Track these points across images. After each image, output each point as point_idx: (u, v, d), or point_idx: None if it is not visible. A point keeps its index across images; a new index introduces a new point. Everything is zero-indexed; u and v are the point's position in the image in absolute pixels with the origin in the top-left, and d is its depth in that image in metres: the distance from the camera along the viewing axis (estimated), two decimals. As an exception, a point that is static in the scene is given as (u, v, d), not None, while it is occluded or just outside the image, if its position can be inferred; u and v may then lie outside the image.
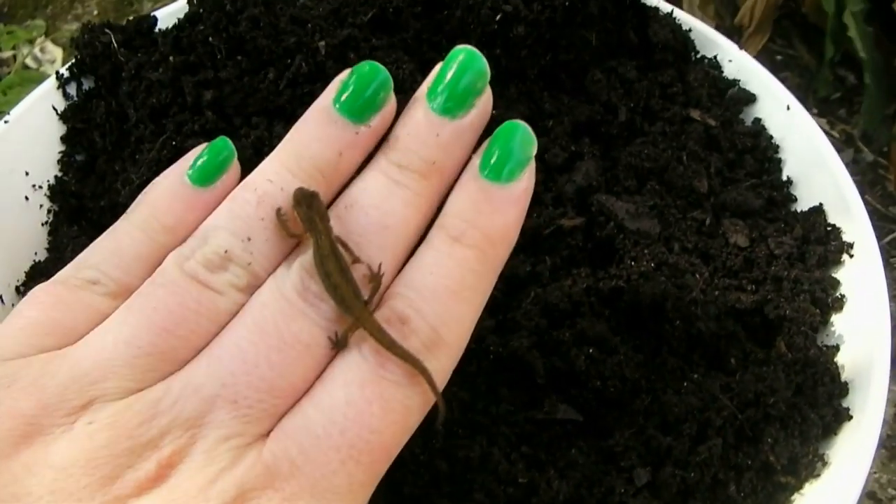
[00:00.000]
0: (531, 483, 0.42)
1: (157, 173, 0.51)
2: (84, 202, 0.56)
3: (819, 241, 0.53)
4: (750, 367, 0.47)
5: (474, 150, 0.38)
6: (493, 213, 0.36)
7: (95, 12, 1.22)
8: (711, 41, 0.63)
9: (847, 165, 0.55)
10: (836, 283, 0.51)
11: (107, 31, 0.58)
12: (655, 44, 0.61)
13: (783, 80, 0.60)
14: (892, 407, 0.80)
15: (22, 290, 0.54)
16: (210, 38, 0.53)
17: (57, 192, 0.57)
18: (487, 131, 0.38)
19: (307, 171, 0.37)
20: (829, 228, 0.53)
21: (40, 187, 0.57)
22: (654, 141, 0.56)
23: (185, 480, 0.32)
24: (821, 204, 0.55)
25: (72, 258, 0.51)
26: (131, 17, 0.60)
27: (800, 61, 1.11)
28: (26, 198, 0.56)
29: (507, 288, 0.48)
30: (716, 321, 0.47)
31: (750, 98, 0.61)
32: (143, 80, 0.54)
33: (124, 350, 0.34)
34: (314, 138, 0.37)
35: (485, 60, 0.37)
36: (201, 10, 0.55)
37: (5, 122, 0.56)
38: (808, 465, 0.44)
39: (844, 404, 0.46)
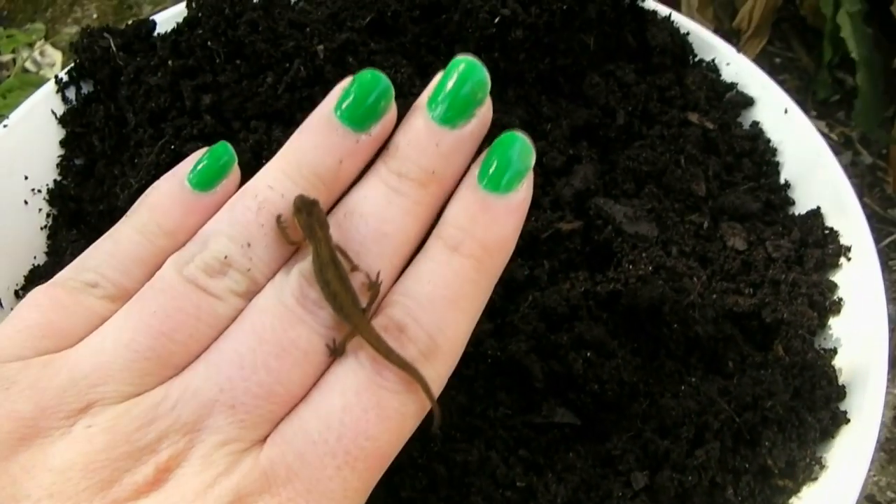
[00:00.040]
0: (529, 487, 0.42)
1: (155, 177, 0.51)
2: (83, 206, 0.56)
3: (817, 245, 0.53)
4: (747, 371, 0.47)
5: (473, 158, 0.38)
6: (490, 223, 0.36)
7: (95, 16, 1.22)
8: (709, 44, 0.63)
9: (846, 168, 0.55)
10: (834, 287, 0.51)
11: (106, 35, 0.58)
12: (653, 47, 0.61)
13: (782, 83, 0.61)
14: (890, 410, 0.81)
15: (21, 293, 0.54)
16: (209, 43, 0.54)
17: (56, 195, 0.57)
18: (487, 137, 0.38)
19: (307, 178, 0.37)
20: (826, 231, 0.53)
21: (39, 191, 0.57)
22: (652, 144, 0.56)
23: (183, 485, 0.32)
24: (819, 207, 0.55)
25: (70, 262, 0.52)
26: (130, 21, 0.60)
27: (798, 64, 1.11)
28: (25, 202, 0.56)
29: (505, 292, 0.48)
30: (713, 324, 0.47)
31: (748, 101, 0.61)
32: (142, 84, 0.54)
33: (123, 354, 0.34)
34: (315, 145, 0.38)
35: (485, 70, 0.37)
36: (200, 15, 0.55)
37: (4, 125, 0.56)
38: (805, 468, 0.44)
39: (842, 407, 0.46)
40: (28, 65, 1.14)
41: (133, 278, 0.37)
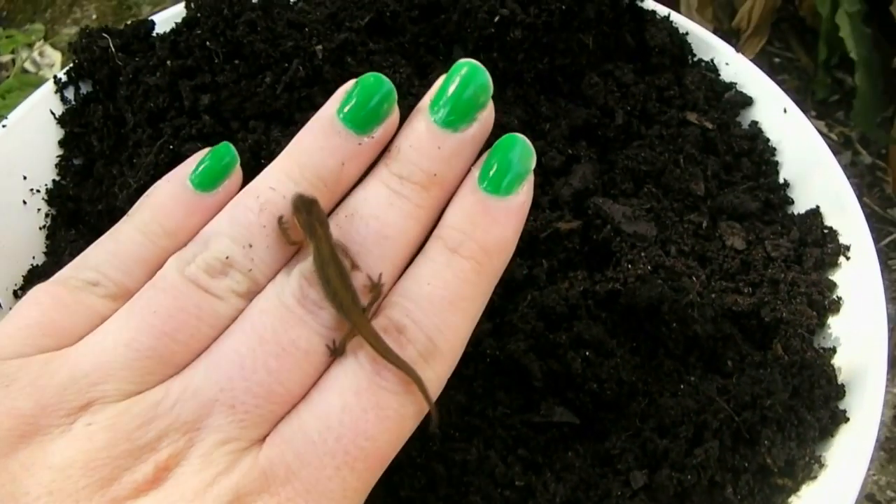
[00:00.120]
0: (528, 486, 0.42)
1: (154, 177, 0.51)
2: (82, 206, 0.56)
3: (816, 244, 0.53)
4: (747, 370, 0.47)
5: (474, 161, 0.38)
6: (490, 225, 0.36)
7: (94, 17, 1.22)
8: (708, 44, 0.63)
9: (845, 168, 0.55)
10: (833, 286, 0.51)
11: (105, 35, 0.58)
12: (652, 47, 0.61)
13: (781, 83, 0.61)
14: (889, 409, 0.81)
15: (19, 293, 0.54)
16: (207, 43, 0.54)
17: (55, 195, 0.57)
18: (488, 138, 0.38)
19: (309, 179, 0.37)
20: (825, 231, 0.53)
21: (38, 191, 0.57)
22: (650, 144, 0.56)
23: (182, 483, 0.32)
24: (818, 206, 0.55)
25: (69, 262, 0.51)
26: (129, 22, 0.60)
27: (798, 64, 1.11)
28: (24, 202, 0.56)
29: (504, 291, 0.48)
30: (712, 324, 0.47)
31: (747, 101, 0.61)
32: (141, 84, 0.54)
33: (124, 353, 0.34)
34: (317, 148, 0.38)
35: (488, 74, 0.37)
36: (199, 15, 0.55)
37: (3, 126, 0.56)
38: (804, 467, 0.44)
39: (841, 406, 0.46)
40: (27, 65, 1.15)
41: (134, 278, 0.37)
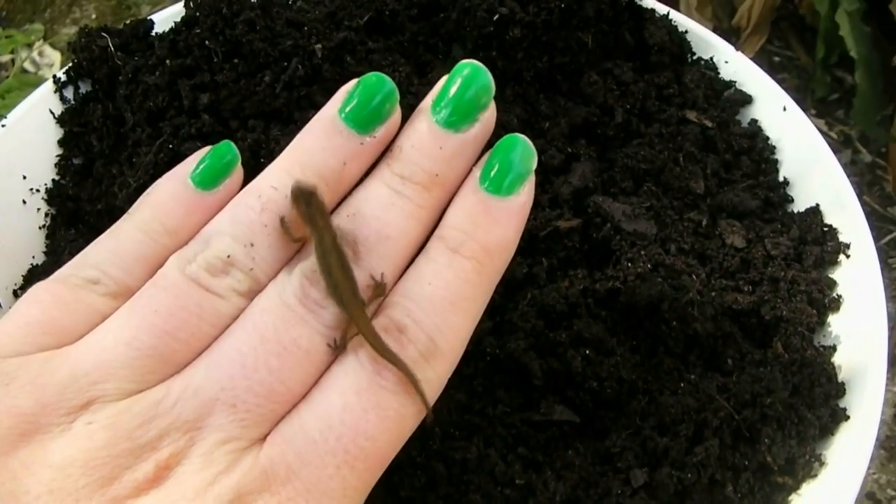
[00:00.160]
0: (528, 484, 0.42)
1: (154, 176, 0.51)
2: (81, 205, 0.56)
3: (816, 242, 0.53)
4: (747, 368, 0.47)
5: (476, 161, 0.38)
6: (491, 225, 0.36)
7: (93, 16, 1.22)
8: (708, 43, 0.63)
9: (845, 166, 0.55)
10: (833, 284, 0.51)
11: (104, 35, 0.58)
12: (652, 46, 0.61)
13: (781, 82, 0.60)
14: (890, 408, 0.81)
15: (19, 293, 0.54)
16: (206, 42, 0.54)
17: (54, 195, 0.57)
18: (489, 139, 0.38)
19: (311, 179, 0.37)
20: (825, 229, 0.53)
21: (38, 191, 0.57)
22: (650, 142, 0.56)
23: (183, 483, 0.32)
24: (817, 204, 0.55)
25: (69, 261, 0.51)
26: (128, 21, 0.60)
27: (797, 63, 1.11)
28: (24, 201, 0.56)
29: (504, 289, 0.48)
30: (712, 322, 0.47)
31: (746, 99, 0.61)
32: (140, 83, 0.54)
33: (125, 351, 0.34)
34: (319, 147, 0.38)
35: (490, 75, 0.37)
36: (198, 14, 0.55)
37: (3, 125, 0.56)
38: (805, 465, 0.44)
39: (841, 405, 0.46)
40: (27, 65, 1.14)
41: (135, 276, 0.37)
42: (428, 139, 0.37)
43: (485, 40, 0.56)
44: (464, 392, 0.44)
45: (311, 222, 0.35)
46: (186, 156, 0.51)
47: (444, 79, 0.38)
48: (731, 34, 1.07)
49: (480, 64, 0.37)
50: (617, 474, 0.43)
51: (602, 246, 0.51)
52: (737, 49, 0.63)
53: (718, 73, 0.63)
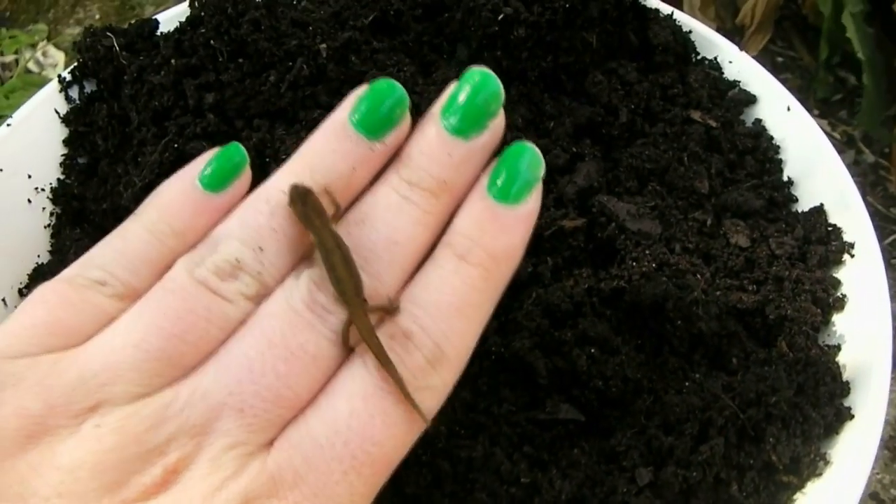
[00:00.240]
0: (533, 483, 0.42)
1: (159, 176, 0.51)
2: (86, 205, 0.56)
3: (820, 242, 0.53)
4: (751, 367, 0.47)
5: (483, 167, 0.38)
6: (498, 232, 0.36)
7: (97, 17, 1.23)
8: (712, 42, 0.64)
9: (848, 167, 0.55)
10: (838, 283, 0.51)
11: (109, 34, 0.58)
12: (656, 45, 0.61)
13: (784, 82, 0.61)
14: (893, 408, 0.80)
15: (24, 292, 0.54)
16: (211, 41, 0.54)
17: (59, 194, 0.57)
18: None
19: (320, 183, 0.37)
20: (830, 228, 0.53)
21: (43, 190, 0.57)
22: (654, 142, 0.56)
23: (191, 488, 0.32)
24: (822, 204, 0.55)
25: (74, 260, 0.51)
26: (133, 21, 0.60)
27: (800, 63, 1.11)
28: (29, 200, 0.56)
29: (508, 289, 0.48)
30: (717, 321, 0.47)
31: (750, 99, 0.61)
32: (145, 83, 0.54)
33: (133, 353, 0.33)
34: (329, 151, 0.38)
35: (499, 83, 0.37)
36: (203, 14, 0.55)
37: (8, 125, 0.56)
38: (810, 464, 0.44)
39: (846, 404, 0.46)
40: (31, 65, 1.15)
41: (141, 277, 0.37)
42: (437, 146, 0.37)
43: (489, 40, 0.56)
44: (469, 391, 0.44)
45: (308, 222, 0.35)
46: (192, 155, 0.51)
47: (453, 85, 0.38)
48: (734, 34, 1.07)
49: (490, 71, 0.37)
50: (622, 473, 0.43)
51: (607, 245, 0.51)
52: (740, 49, 0.63)
53: (722, 73, 0.63)
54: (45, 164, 0.57)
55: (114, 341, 0.34)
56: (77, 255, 0.52)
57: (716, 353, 0.48)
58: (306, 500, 0.32)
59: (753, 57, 0.63)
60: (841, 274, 0.52)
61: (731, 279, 0.51)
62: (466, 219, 0.37)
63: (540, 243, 0.50)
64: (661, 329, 0.47)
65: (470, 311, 0.36)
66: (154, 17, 0.60)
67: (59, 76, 0.58)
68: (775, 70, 1.03)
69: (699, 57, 0.64)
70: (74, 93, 0.59)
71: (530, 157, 0.37)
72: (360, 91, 0.38)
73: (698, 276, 0.50)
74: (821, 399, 0.46)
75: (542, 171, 0.37)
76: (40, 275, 0.54)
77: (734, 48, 0.63)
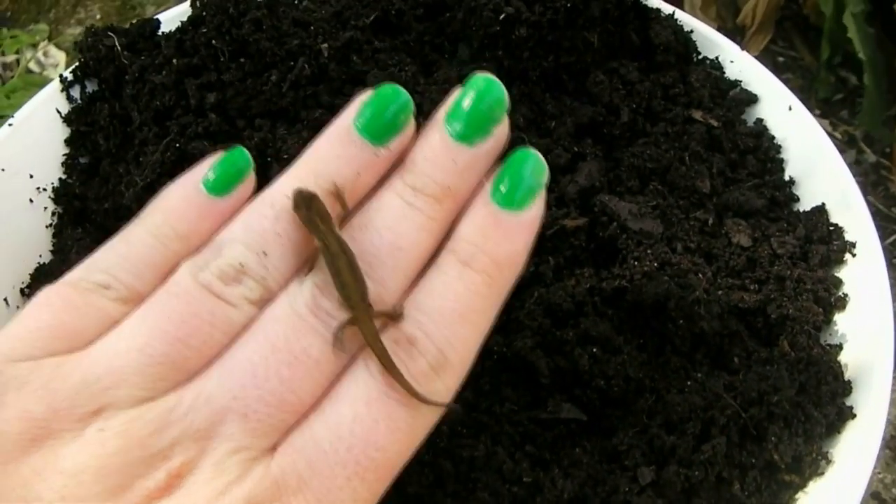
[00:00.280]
0: (536, 482, 0.42)
1: (160, 175, 0.51)
2: (88, 204, 0.56)
3: (822, 241, 0.53)
4: (753, 366, 0.47)
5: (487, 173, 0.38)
6: (502, 239, 0.36)
7: (98, 16, 1.23)
8: (713, 42, 0.64)
9: (849, 167, 0.55)
10: (839, 283, 0.51)
11: (110, 34, 0.58)
12: (657, 45, 0.61)
13: (785, 82, 0.61)
14: (895, 407, 0.80)
15: (27, 291, 0.54)
16: (213, 41, 0.54)
17: (61, 194, 0.57)
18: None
19: (324, 188, 0.37)
20: (831, 228, 0.53)
21: (44, 189, 0.57)
22: (656, 142, 0.56)
23: (194, 492, 0.31)
24: (823, 203, 0.55)
25: (76, 260, 0.51)
26: (134, 21, 0.60)
27: (801, 63, 1.11)
28: (31, 200, 0.57)
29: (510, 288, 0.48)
30: (719, 320, 0.47)
31: (752, 98, 0.61)
32: (147, 82, 0.54)
33: (137, 358, 0.33)
34: (333, 156, 0.38)
35: (504, 89, 0.37)
36: (204, 14, 0.55)
37: (9, 125, 0.56)
38: (812, 463, 0.44)
39: (848, 403, 0.46)
40: (32, 65, 1.15)
41: (145, 281, 0.37)
42: (441, 152, 0.37)
43: (491, 40, 0.56)
44: (471, 390, 0.44)
45: (313, 227, 0.35)
46: (193, 154, 0.51)
47: (457, 91, 0.38)
48: (735, 34, 1.07)
49: (494, 77, 0.37)
50: (624, 472, 0.43)
51: (608, 245, 0.51)
52: (742, 48, 0.63)
53: (724, 73, 0.63)
54: (47, 164, 0.57)
55: (118, 345, 0.34)
56: (79, 254, 0.52)
57: (718, 352, 0.48)
58: None
59: (755, 57, 0.63)
60: (842, 273, 0.52)
61: (732, 278, 0.51)
62: (470, 225, 0.37)
63: (542, 243, 0.50)
64: (663, 328, 0.47)
65: (473, 317, 0.36)
66: (155, 17, 0.60)
67: (61, 76, 0.58)
68: (776, 70, 1.03)
69: (700, 56, 0.64)
70: (76, 92, 0.59)
71: (534, 164, 0.37)
72: (365, 96, 0.38)
73: (700, 275, 0.50)
74: (822, 398, 0.46)
75: (545, 177, 0.37)
76: (42, 274, 0.54)
77: (735, 48, 0.63)
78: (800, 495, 0.44)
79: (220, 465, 0.32)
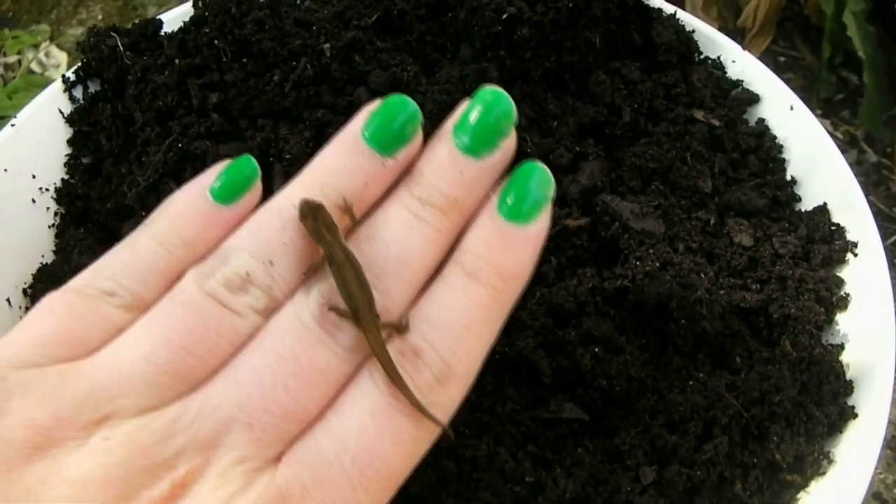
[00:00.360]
0: (538, 482, 0.42)
1: (163, 175, 0.51)
2: (90, 204, 0.56)
3: (823, 241, 0.53)
4: (755, 366, 0.47)
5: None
6: (507, 251, 0.36)
7: (100, 17, 1.23)
8: (715, 42, 0.64)
9: (851, 167, 0.55)
10: (841, 282, 0.51)
11: (113, 34, 0.58)
12: (659, 45, 0.61)
13: (787, 82, 0.61)
14: (896, 407, 0.80)
15: (29, 291, 0.54)
16: (215, 41, 0.54)
17: (63, 194, 0.57)
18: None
19: (331, 198, 0.37)
20: (833, 227, 0.53)
21: (47, 190, 0.57)
22: (658, 141, 0.56)
23: (199, 502, 0.31)
24: (825, 203, 0.55)
25: (78, 260, 0.51)
26: (136, 21, 0.60)
27: (802, 63, 1.11)
28: (33, 200, 0.57)
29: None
30: (721, 320, 0.48)
31: (753, 98, 0.61)
32: (149, 82, 0.55)
33: (142, 366, 0.33)
34: (340, 166, 0.37)
35: (511, 102, 0.37)
36: (206, 14, 0.56)
37: (12, 125, 0.56)
38: (813, 462, 0.44)
39: (849, 402, 0.46)
40: (33, 66, 1.15)
41: (150, 288, 0.37)
42: (448, 165, 0.37)
43: (493, 40, 0.56)
44: (473, 390, 0.44)
45: (319, 237, 0.35)
46: (196, 155, 0.51)
47: (465, 103, 0.38)
48: (736, 34, 1.07)
49: (502, 90, 0.37)
50: (626, 472, 0.43)
51: (610, 244, 0.51)
52: (743, 48, 0.63)
53: (726, 73, 0.63)
54: (49, 164, 0.57)
55: (123, 353, 0.34)
56: (81, 254, 0.52)
57: (719, 352, 0.48)
58: None
59: (756, 56, 0.63)
60: (844, 273, 0.52)
61: (734, 278, 0.51)
62: (476, 237, 0.37)
63: (544, 242, 0.50)
64: (665, 328, 0.47)
65: (478, 329, 0.36)
66: (158, 17, 0.60)
67: (63, 76, 0.58)
68: (778, 70, 1.03)
69: (702, 56, 0.64)
70: (78, 93, 0.59)
71: (540, 177, 0.37)
72: (373, 106, 0.38)
73: (702, 275, 0.50)
74: (824, 398, 0.46)
75: (552, 190, 0.37)
76: (45, 275, 0.54)
77: (737, 48, 0.63)
78: (801, 495, 0.44)
79: (225, 475, 0.32)
